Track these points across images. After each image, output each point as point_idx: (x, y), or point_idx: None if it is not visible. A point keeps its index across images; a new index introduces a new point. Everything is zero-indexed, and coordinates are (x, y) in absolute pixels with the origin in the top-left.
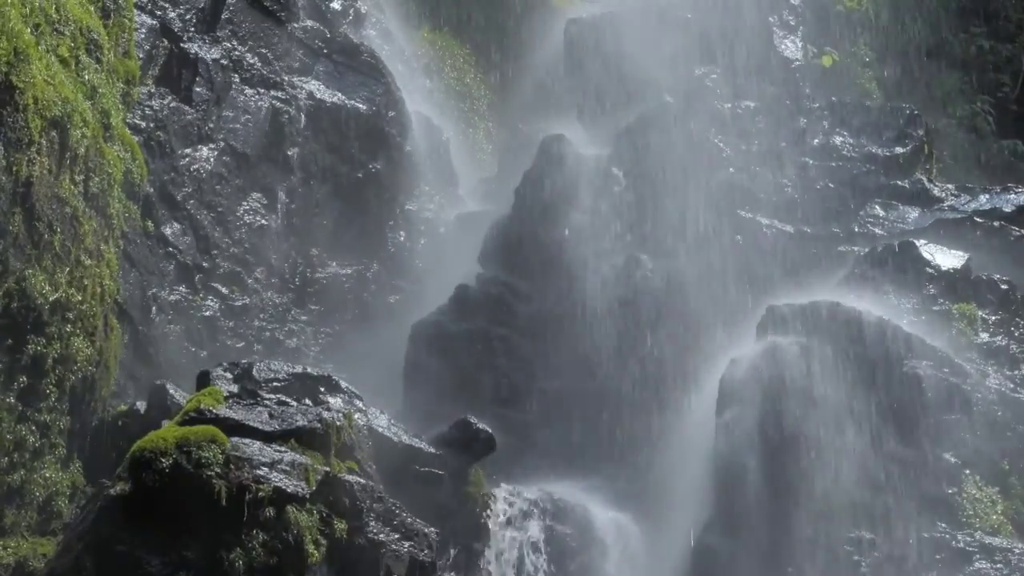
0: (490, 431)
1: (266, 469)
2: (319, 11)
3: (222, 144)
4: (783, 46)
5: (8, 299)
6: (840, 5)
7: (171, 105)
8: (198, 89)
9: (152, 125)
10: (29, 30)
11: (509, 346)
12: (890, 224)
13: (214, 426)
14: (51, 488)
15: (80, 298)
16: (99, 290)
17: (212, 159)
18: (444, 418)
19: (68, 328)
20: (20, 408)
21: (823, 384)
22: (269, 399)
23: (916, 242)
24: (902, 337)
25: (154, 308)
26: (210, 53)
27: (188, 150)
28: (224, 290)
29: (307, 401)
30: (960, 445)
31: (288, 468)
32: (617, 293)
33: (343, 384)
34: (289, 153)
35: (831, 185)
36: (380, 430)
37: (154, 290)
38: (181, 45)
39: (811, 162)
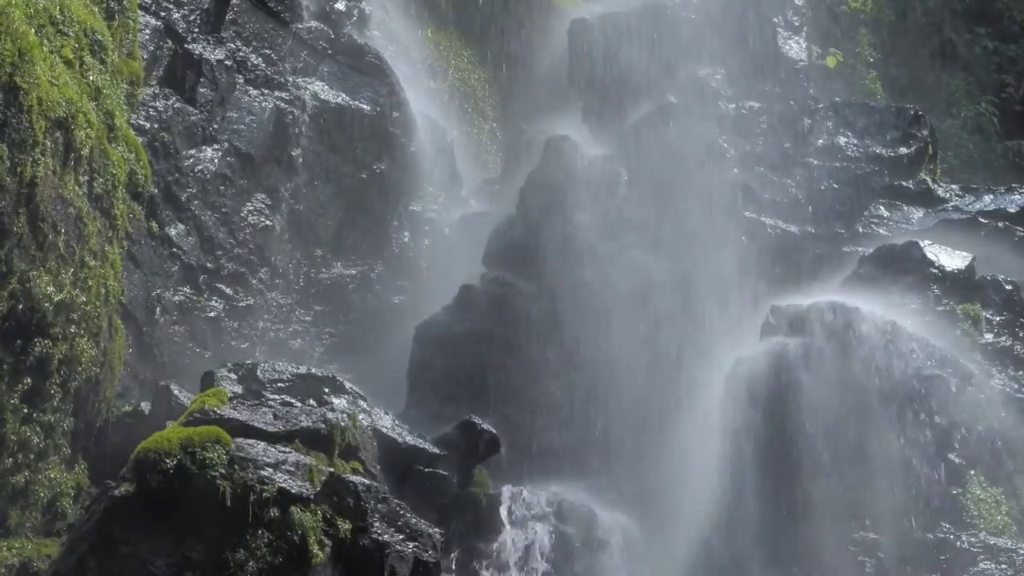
0: (494, 432)
1: (270, 470)
2: (323, 12)
3: (226, 145)
4: (787, 46)
5: (13, 300)
6: (844, 5)
7: (175, 106)
8: (202, 90)
9: (156, 126)
10: (33, 31)
11: (513, 347)
12: (894, 224)
13: (218, 427)
14: (55, 489)
15: (84, 299)
16: (103, 291)
17: (216, 160)
18: (448, 419)
19: (72, 329)
20: (25, 409)
21: (827, 384)
22: (273, 400)
23: (920, 242)
24: (906, 338)
25: (158, 309)
26: (214, 54)
27: (192, 151)
28: (228, 291)
29: (311, 402)
30: (964, 446)
31: (292, 469)
32: (621, 294)
33: (347, 385)
34: (293, 154)
35: (835, 185)
36: (384, 430)
37: (158, 291)
38: (185, 46)
39: (815, 162)
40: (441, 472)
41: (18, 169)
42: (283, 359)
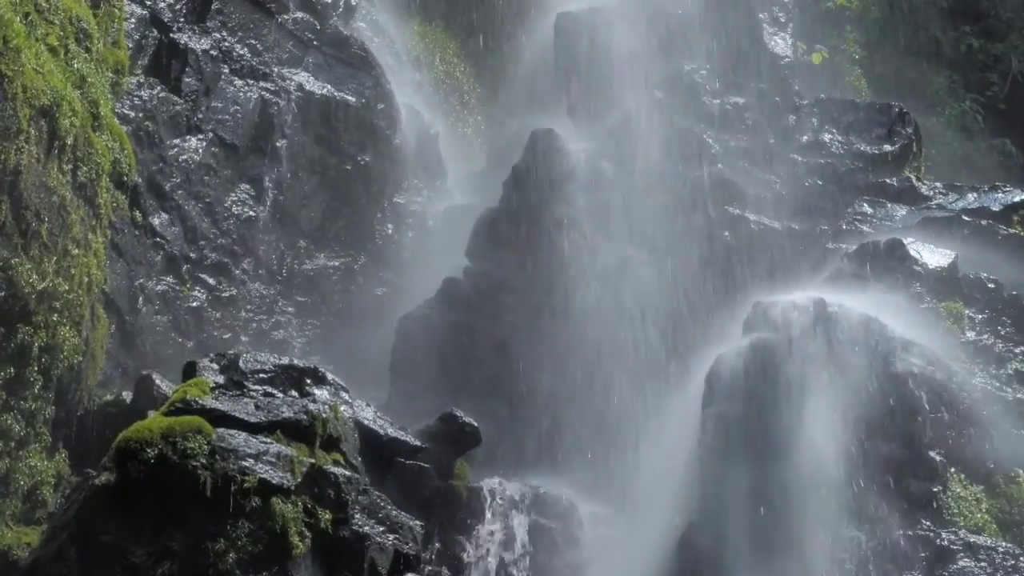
0: (476, 424)
1: (251, 460)
2: (309, 3)
3: (211, 135)
4: (773, 42)
5: None
6: (830, 2)
7: (160, 95)
8: (187, 80)
9: (141, 115)
10: (19, 19)
11: (495, 339)
12: (878, 222)
13: (200, 417)
14: (36, 477)
15: (67, 287)
16: (86, 280)
17: (201, 150)
18: (430, 411)
19: (55, 317)
20: (5, 397)
21: (808, 381)
22: (255, 390)
23: (904, 240)
24: (889, 335)
25: (141, 298)
26: (200, 44)
27: (177, 140)
28: (211, 281)
29: (293, 393)
30: (945, 443)
31: (273, 460)
32: (604, 287)
33: (329, 376)
34: (278, 144)
35: (819, 182)
36: (366, 422)
37: (141, 280)
38: (171, 35)
39: (799, 159)
40: (422, 465)
41: (2, 157)
42: (265, 350)
